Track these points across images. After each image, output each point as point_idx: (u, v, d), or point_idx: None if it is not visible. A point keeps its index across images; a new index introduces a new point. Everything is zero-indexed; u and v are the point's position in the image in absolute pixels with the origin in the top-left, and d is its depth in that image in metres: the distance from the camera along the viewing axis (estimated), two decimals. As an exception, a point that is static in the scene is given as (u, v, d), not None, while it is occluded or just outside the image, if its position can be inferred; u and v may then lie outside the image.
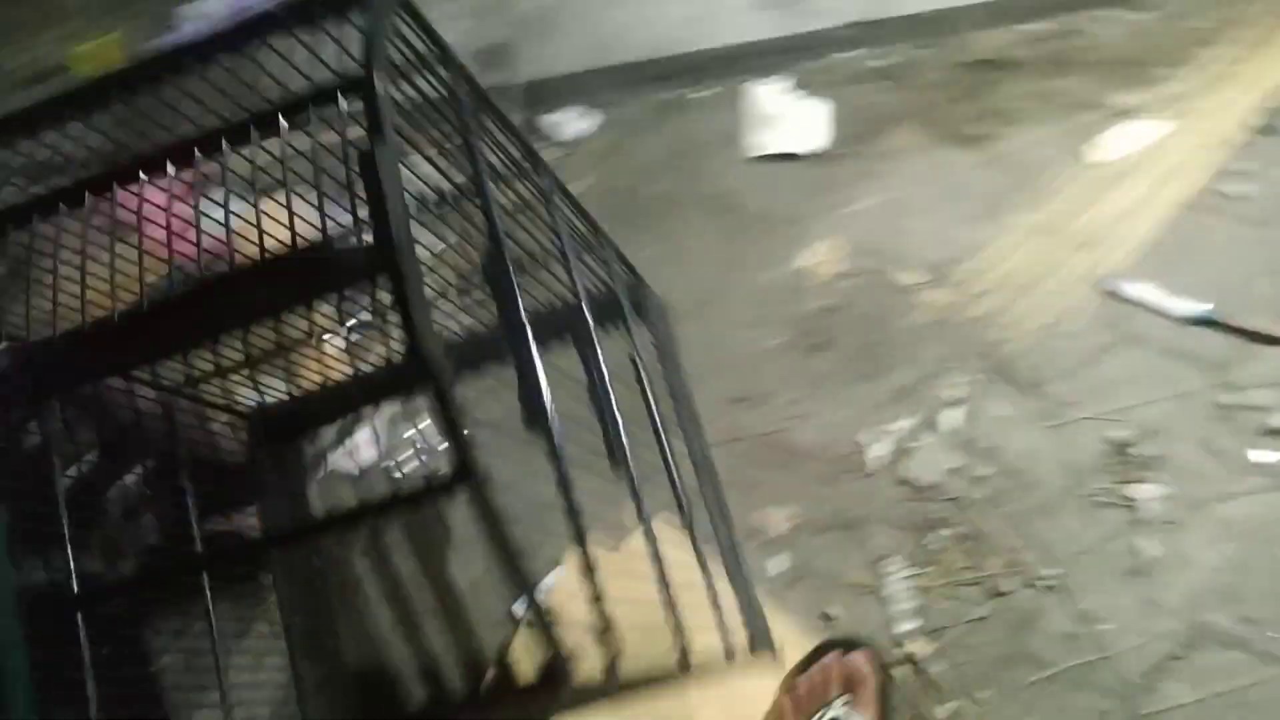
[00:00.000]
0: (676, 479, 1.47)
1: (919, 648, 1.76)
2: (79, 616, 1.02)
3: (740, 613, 1.59)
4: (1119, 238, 2.15)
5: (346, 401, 1.61)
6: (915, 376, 2.09)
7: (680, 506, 1.43)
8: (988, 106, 2.34)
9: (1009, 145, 2.28)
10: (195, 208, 1.06)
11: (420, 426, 2.01)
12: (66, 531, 1.04)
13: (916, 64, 2.40)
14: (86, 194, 1.08)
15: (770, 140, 2.30)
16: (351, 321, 1.50)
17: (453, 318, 1.44)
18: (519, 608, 1.79)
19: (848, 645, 1.35)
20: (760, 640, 1.58)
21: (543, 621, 0.88)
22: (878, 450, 2.04)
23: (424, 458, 2.01)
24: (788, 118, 2.33)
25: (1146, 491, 1.94)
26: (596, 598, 0.99)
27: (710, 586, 1.39)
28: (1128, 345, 2.07)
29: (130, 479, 1.48)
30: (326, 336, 1.49)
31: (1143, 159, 2.23)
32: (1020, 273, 2.15)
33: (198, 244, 1.02)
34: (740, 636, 1.47)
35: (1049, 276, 2.14)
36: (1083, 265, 2.14)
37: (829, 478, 2.03)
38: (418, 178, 1.11)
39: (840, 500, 2.01)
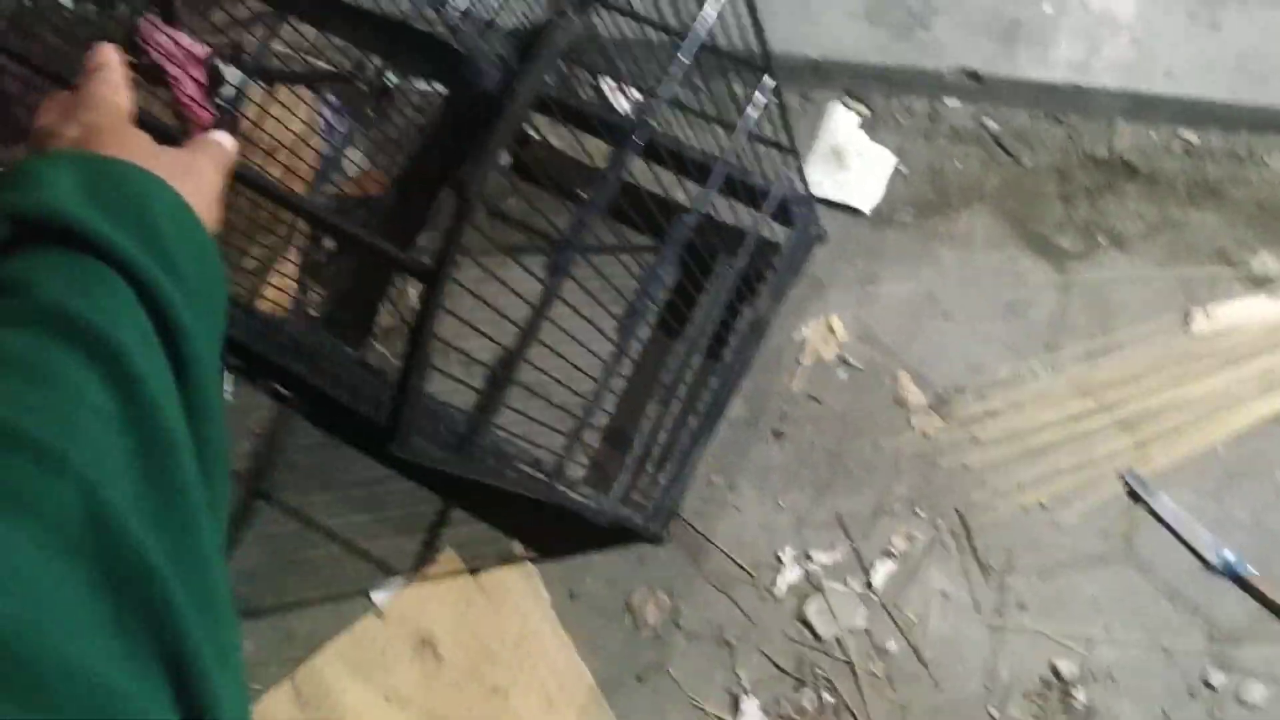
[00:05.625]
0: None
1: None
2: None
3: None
4: (1177, 432, 1.75)
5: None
6: (871, 507, 1.80)
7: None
8: (1097, 218, 1.91)
9: (1100, 274, 1.87)
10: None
11: None
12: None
13: (1032, 139, 1.96)
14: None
15: (827, 183, 1.96)
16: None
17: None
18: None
19: None
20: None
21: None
22: (793, 575, 1.78)
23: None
24: (855, 158, 1.97)
25: (1068, 745, 1.63)
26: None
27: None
28: (1127, 566, 1.71)
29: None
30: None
31: (1254, 345, 1.79)
32: (1040, 432, 1.78)
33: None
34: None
35: (1071, 449, 1.77)
36: (1118, 450, 1.76)
37: (729, 582, 1.80)
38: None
39: (729, 612, 1.78)
